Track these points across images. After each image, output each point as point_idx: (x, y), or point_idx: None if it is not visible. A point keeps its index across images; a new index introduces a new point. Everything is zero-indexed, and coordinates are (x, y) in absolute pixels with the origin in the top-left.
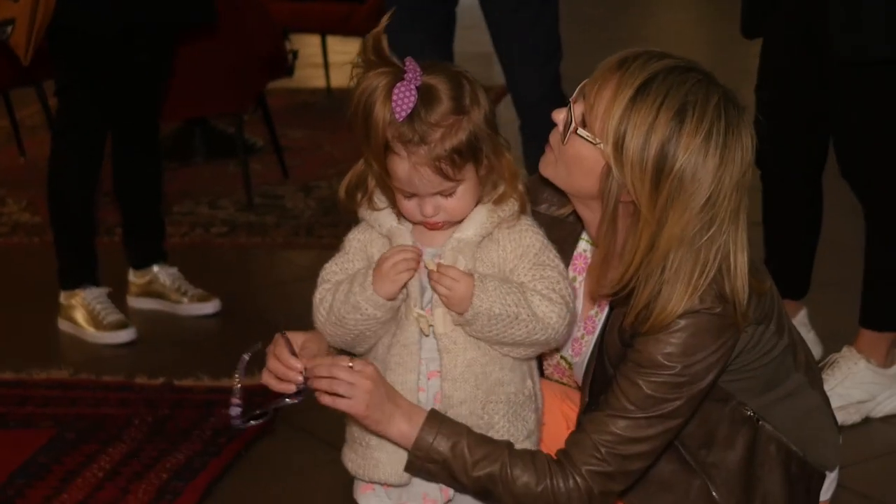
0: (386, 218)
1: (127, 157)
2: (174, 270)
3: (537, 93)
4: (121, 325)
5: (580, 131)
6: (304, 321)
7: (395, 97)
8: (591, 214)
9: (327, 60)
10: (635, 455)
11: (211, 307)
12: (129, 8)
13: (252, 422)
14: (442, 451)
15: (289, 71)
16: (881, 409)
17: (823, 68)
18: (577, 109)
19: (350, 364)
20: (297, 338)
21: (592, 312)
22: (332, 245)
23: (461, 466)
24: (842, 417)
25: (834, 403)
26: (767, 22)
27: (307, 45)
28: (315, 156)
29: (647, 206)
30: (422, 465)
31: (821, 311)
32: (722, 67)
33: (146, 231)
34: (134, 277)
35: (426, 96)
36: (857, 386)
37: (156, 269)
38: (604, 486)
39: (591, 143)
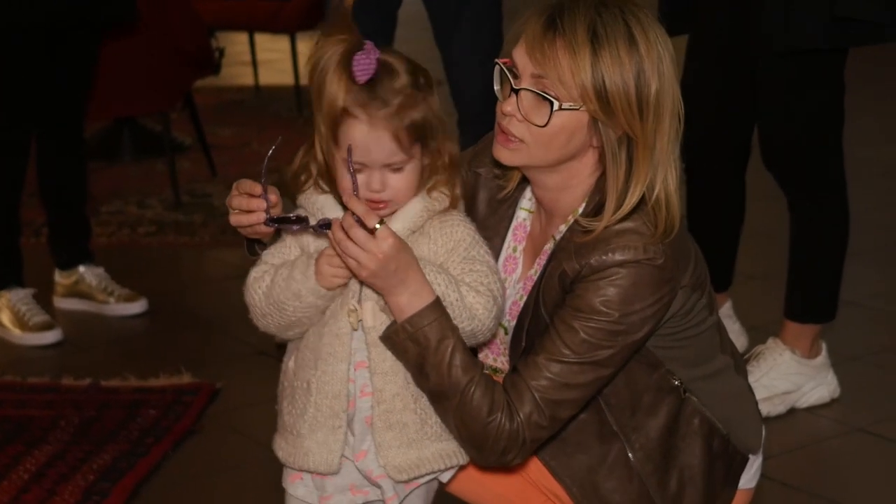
0: (325, 202)
1: (51, 157)
2: (100, 270)
3: (478, 87)
4: (47, 326)
5: (564, 105)
6: (235, 320)
7: (356, 61)
8: (558, 178)
9: (255, 58)
10: (566, 402)
11: (138, 307)
12: (46, 5)
13: (279, 225)
14: (429, 338)
15: (215, 69)
16: (806, 399)
17: (751, 59)
18: (528, 87)
19: (376, 226)
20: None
21: (532, 272)
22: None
23: (437, 360)
24: (767, 408)
25: (759, 394)
26: (693, 16)
27: (235, 43)
28: (243, 153)
29: (641, 135)
30: (402, 341)
31: (745, 303)
32: None
33: (71, 231)
34: (60, 278)
35: (386, 68)
36: (782, 377)
37: (82, 269)
38: (535, 433)
39: (572, 110)
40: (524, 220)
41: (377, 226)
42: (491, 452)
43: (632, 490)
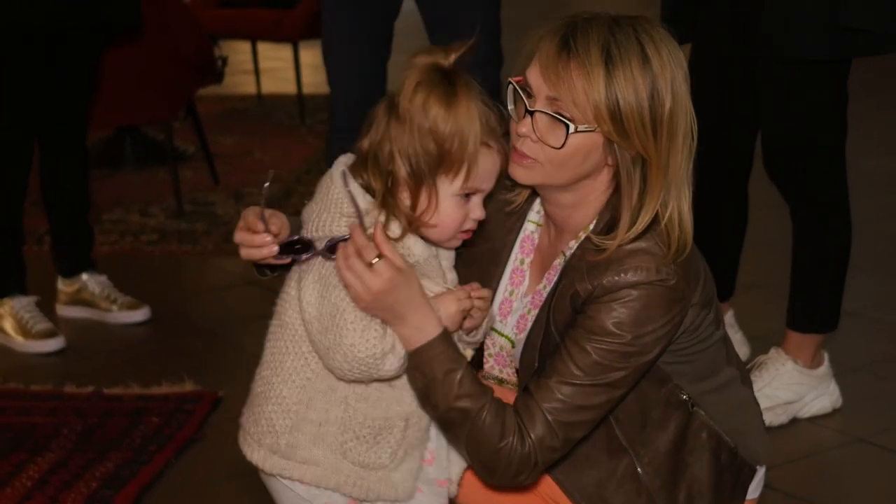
0: (416, 245)
1: (54, 165)
2: (103, 278)
3: None
4: (49, 334)
5: (580, 128)
6: (237, 327)
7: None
8: (571, 196)
9: (258, 67)
10: (579, 423)
11: (140, 315)
12: (48, 7)
13: (288, 256)
14: (435, 370)
15: (218, 77)
16: (808, 409)
17: (755, 69)
18: (543, 109)
19: (373, 261)
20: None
21: (541, 287)
22: None
23: (444, 391)
24: (770, 418)
25: (762, 404)
26: (697, 25)
27: (237, 52)
28: (245, 162)
29: (655, 154)
30: (410, 371)
31: (748, 313)
32: None
33: (74, 239)
34: (63, 286)
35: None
36: (784, 387)
37: (85, 277)
38: (547, 455)
39: (588, 132)
40: (532, 232)
41: (375, 260)
42: (503, 475)
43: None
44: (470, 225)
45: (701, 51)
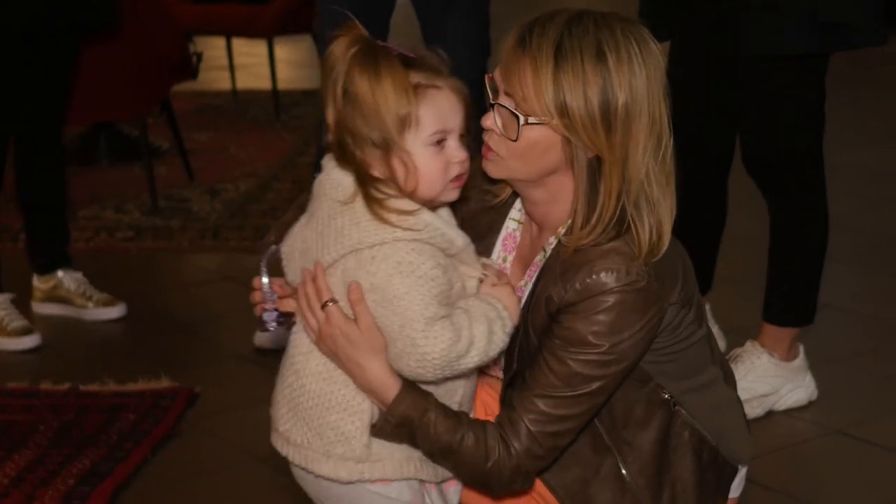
0: (434, 220)
1: (29, 161)
2: (79, 275)
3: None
4: (25, 331)
5: (530, 120)
6: (213, 324)
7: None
8: (543, 192)
9: (232, 62)
10: (563, 432)
11: (116, 311)
12: (29, 10)
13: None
14: (412, 417)
15: (193, 73)
16: (784, 402)
17: (733, 64)
18: (506, 103)
19: (325, 303)
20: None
21: (522, 283)
22: (238, 248)
23: (424, 432)
24: (745, 411)
25: None
26: (677, 22)
27: (212, 48)
28: (220, 158)
29: (608, 150)
30: (391, 429)
31: (724, 306)
32: None
33: (50, 237)
34: (38, 283)
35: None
36: (760, 380)
37: (60, 274)
38: (535, 464)
39: (541, 124)
40: (514, 230)
41: (328, 303)
42: (497, 488)
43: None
44: (456, 170)
45: (681, 48)
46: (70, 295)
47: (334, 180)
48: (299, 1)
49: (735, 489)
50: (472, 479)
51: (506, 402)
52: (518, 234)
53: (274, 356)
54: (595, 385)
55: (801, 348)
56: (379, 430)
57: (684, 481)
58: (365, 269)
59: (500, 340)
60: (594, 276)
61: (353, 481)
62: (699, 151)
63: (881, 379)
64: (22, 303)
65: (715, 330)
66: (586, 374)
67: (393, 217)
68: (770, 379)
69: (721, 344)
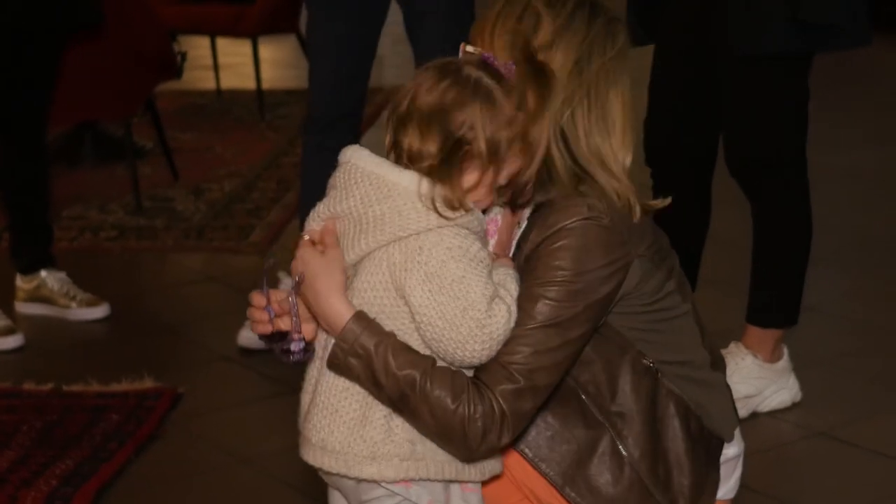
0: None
1: (12, 161)
2: (62, 275)
3: None
4: (8, 331)
5: None
6: (197, 324)
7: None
8: None
9: (217, 62)
10: (540, 368)
11: (100, 311)
12: (8, 9)
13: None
14: (366, 345)
15: (177, 73)
16: (768, 403)
17: (717, 67)
18: None
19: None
20: (278, 293)
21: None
22: (223, 248)
23: (382, 366)
24: None
25: None
26: (659, 25)
27: (196, 47)
28: (205, 158)
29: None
30: (345, 358)
31: (708, 308)
32: None
33: (33, 237)
34: (21, 283)
35: None
36: (744, 381)
37: (43, 273)
38: (515, 404)
39: None
40: (496, 214)
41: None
42: (472, 440)
43: (624, 479)
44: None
45: (662, 49)
46: (53, 295)
47: (371, 171)
48: (284, 1)
49: (730, 491)
50: (440, 428)
51: None
52: (500, 217)
53: (258, 356)
54: (564, 315)
55: (786, 350)
56: (331, 362)
57: (676, 452)
58: (415, 260)
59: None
60: (556, 216)
61: (400, 480)
62: (681, 153)
63: (865, 381)
64: (5, 303)
65: None
66: (554, 304)
67: (453, 212)
68: (754, 380)
69: None
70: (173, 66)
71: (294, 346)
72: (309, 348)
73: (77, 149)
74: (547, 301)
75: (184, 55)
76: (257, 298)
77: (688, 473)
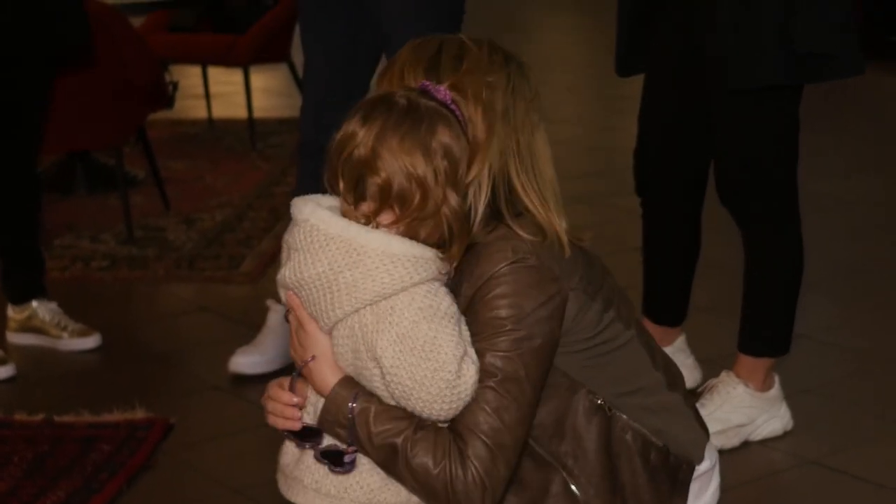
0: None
1: (4, 191)
2: (53, 305)
3: None
4: None
5: None
6: (188, 354)
7: None
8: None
9: (208, 91)
10: (505, 427)
11: (91, 342)
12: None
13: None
14: (348, 416)
15: (169, 103)
16: (760, 432)
17: (708, 95)
18: None
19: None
20: (284, 380)
21: None
22: (214, 278)
23: (366, 434)
24: (721, 441)
25: (713, 428)
26: (648, 54)
27: (188, 76)
28: (196, 187)
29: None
30: (331, 428)
31: (699, 337)
32: (604, 92)
33: (24, 266)
34: (12, 313)
35: None
36: (735, 410)
37: (35, 304)
38: (493, 471)
39: None
40: None
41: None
42: (455, 502)
43: None
44: None
45: (653, 80)
46: (45, 325)
47: (337, 235)
48: (275, 30)
49: (702, 495)
50: (425, 490)
51: None
52: None
53: (250, 385)
54: (517, 366)
55: (777, 378)
56: (321, 425)
57: (635, 486)
58: (386, 321)
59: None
60: (482, 265)
61: None
62: (671, 181)
63: (857, 409)
64: None
65: (690, 361)
66: (504, 355)
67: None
68: (745, 409)
69: (696, 375)
70: (165, 96)
71: (347, 459)
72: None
73: (69, 178)
74: (493, 353)
75: (175, 84)
76: (286, 395)
77: None
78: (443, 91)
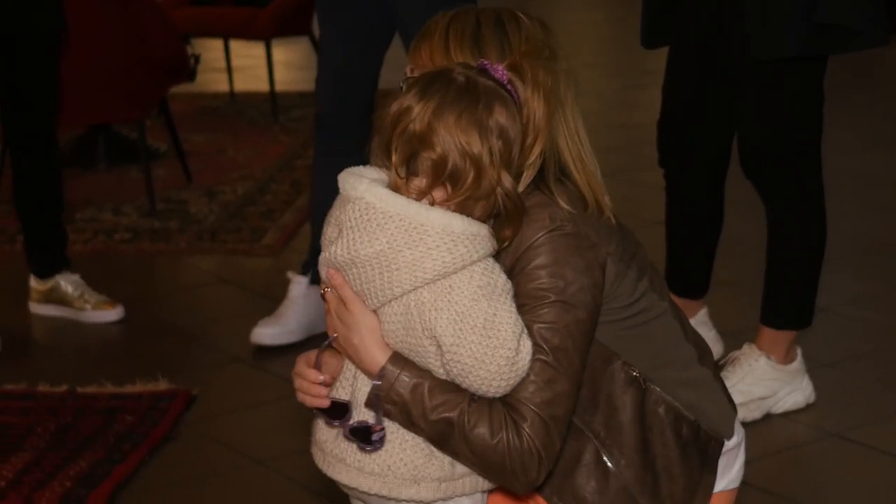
0: None
1: (24, 169)
2: (76, 277)
3: None
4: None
5: None
6: (211, 326)
7: None
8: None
9: (230, 64)
10: (556, 398)
11: (114, 314)
12: None
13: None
14: (402, 392)
15: (191, 76)
16: (781, 405)
17: (730, 67)
18: None
19: (324, 291)
20: (311, 355)
21: None
22: (236, 250)
23: (420, 410)
24: (743, 414)
25: (735, 400)
26: (674, 27)
27: (210, 50)
28: (218, 160)
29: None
30: (382, 405)
31: (721, 310)
32: (627, 67)
33: (48, 241)
34: (36, 284)
35: None
36: (757, 382)
37: (58, 276)
38: (546, 441)
39: None
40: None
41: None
42: (514, 474)
43: (609, 489)
44: None
45: (678, 52)
46: (68, 297)
47: (395, 213)
48: (297, 3)
49: (734, 480)
50: (482, 462)
51: None
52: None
53: (271, 356)
54: (563, 337)
55: (799, 351)
56: (368, 402)
57: (667, 459)
58: (445, 300)
59: None
60: (521, 233)
61: (436, 500)
62: (695, 154)
63: (879, 382)
64: (20, 304)
65: (712, 334)
66: (550, 325)
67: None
68: (768, 382)
69: (718, 348)
70: (187, 69)
71: (375, 437)
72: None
73: (91, 151)
74: (540, 325)
75: (197, 58)
76: (312, 373)
77: (678, 479)
78: (500, 70)
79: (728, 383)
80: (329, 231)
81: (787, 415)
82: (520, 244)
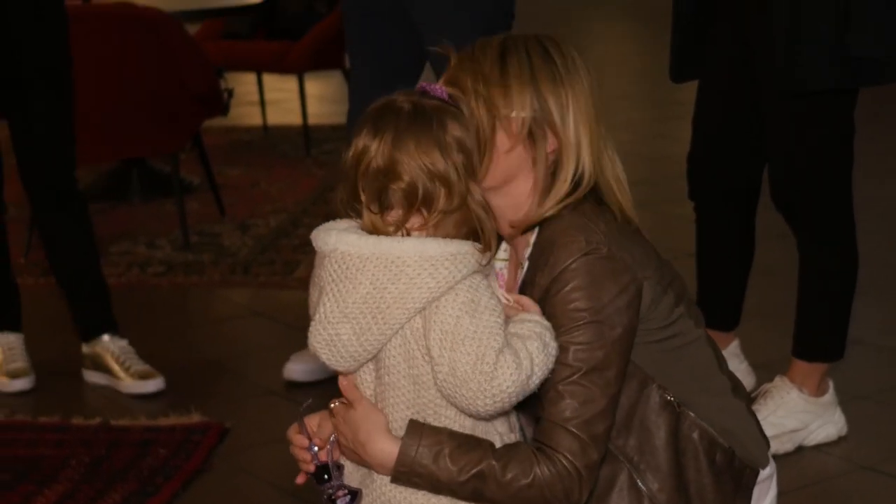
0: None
1: (49, 221)
2: (124, 343)
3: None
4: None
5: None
6: (244, 359)
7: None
8: (506, 200)
9: (263, 98)
10: (594, 417)
11: (153, 385)
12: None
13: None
14: (425, 464)
15: (224, 109)
16: (814, 437)
17: (762, 101)
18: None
19: (332, 405)
20: (312, 420)
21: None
22: (269, 283)
23: (448, 476)
24: (775, 446)
25: (767, 433)
26: (703, 60)
27: (243, 83)
28: (251, 193)
29: (563, 130)
30: (408, 479)
31: (753, 342)
32: (657, 100)
33: (85, 296)
34: (83, 347)
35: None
36: (789, 415)
37: (106, 338)
38: (585, 458)
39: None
40: (501, 269)
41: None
42: (558, 502)
43: None
44: None
45: (707, 85)
46: (109, 363)
47: (371, 253)
48: (329, 37)
49: (760, 502)
50: (523, 501)
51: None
52: (505, 271)
53: (304, 390)
54: (599, 358)
55: (831, 384)
56: (395, 479)
57: (700, 484)
58: (433, 320)
59: (554, 350)
60: (556, 253)
61: None
62: (725, 187)
63: None
64: (54, 336)
65: (744, 367)
66: (585, 347)
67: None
68: (800, 414)
69: (750, 380)
70: (220, 103)
71: (340, 503)
72: (357, 499)
73: (125, 185)
74: (576, 347)
75: (230, 91)
76: (298, 439)
77: None
78: (439, 89)
79: (760, 416)
80: (312, 293)
81: (819, 447)
82: (555, 264)
